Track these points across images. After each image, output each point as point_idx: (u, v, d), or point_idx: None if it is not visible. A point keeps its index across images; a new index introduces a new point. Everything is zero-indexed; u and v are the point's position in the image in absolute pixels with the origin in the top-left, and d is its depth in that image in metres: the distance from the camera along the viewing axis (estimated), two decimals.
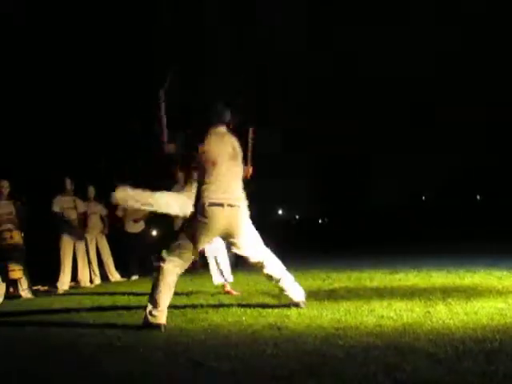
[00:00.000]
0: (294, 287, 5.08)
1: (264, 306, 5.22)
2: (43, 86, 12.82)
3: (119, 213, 10.39)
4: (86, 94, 13.36)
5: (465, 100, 17.97)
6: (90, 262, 9.52)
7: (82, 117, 13.27)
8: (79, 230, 9.10)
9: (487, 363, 2.93)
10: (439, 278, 6.69)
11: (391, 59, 16.95)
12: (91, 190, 9.81)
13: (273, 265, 5.04)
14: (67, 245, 8.94)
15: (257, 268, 5.09)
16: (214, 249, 6.48)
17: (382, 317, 4.30)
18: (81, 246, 9.11)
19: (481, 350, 3.17)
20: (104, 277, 9.78)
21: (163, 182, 10.62)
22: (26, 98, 12.71)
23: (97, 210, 9.80)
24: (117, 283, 9.38)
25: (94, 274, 9.60)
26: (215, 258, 6.57)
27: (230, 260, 7.91)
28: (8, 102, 12.28)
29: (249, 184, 5.21)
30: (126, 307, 5.77)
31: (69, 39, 13.25)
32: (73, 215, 9.01)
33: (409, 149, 19.17)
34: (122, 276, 9.97)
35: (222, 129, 4.87)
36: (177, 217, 10.25)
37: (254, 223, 5.21)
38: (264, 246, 5.09)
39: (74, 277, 9.17)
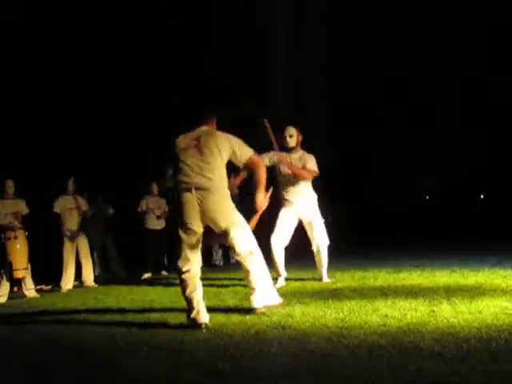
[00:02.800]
0: (267, 291, 4.88)
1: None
2: (47, 82, 12.83)
3: (141, 208, 10.37)
4: (93, 90, 13.35)
5: (465, 98, 17.97)
6: (94, 262, 9.54)
7: (91, 116, 13.27)
8: (81, 229, 9.10)
9: (492, 362, 2.92)
10: (443, 277, 6.67)
11: (391, 58, 16.94)
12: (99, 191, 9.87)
13: (256, 262, 4.83)
14: (69, 244, 8.95)
15: (240, 263, 4.87)
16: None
17: (386, 316, 4.29)
18: (83, 246, 9.11)
19: (485, 349, 3.16)
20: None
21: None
22: (30, 97, 12.72)
23: (105, 210, 9.82)
24: (121, 283, 9.38)
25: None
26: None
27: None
28: (11, 100, 12.30)
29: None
30: (130, 307, 5.78)
31: (70, 38, 13.27)
32: (75, 215, 9.01)
33: (411, 148, 19.13)
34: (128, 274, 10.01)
35: (204, 128, 4.94)
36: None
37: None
38: (255, 243, 4.92)
39: (78, 276, 9.17)
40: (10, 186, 8.27)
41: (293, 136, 6.73)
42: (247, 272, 4.78)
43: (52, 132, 12.58)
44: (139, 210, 10.37)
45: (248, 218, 5.04)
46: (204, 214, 4.68)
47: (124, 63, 13.82)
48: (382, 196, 19.45)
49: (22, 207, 8.33)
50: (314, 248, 6.89)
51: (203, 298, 4.58)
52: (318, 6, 15.57)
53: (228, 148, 4.85)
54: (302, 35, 15.64)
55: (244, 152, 4.88)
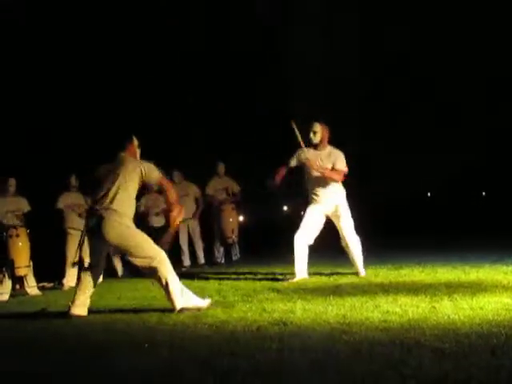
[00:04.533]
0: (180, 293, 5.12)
1: (269, 301, 5.23)
2: (47, 82, 12.84)
3: (141, 208, 10.32)
4: (93, 90, 13.36)
5: (466, 96, 17.97)
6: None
7: (91, 114, 13.27)
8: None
9: (493, 358, 2.93)
10: (444, 273, 6.67)
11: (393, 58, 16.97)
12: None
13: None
14: (72, 241, 8.93)
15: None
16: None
17: (388, 312, 4.29)
18: (86, 243, 9.10)
19: (486, 345, 3.17)
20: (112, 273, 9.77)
21: None
22: (31, 94, 12.74)
23: None
24: (121, 280, 9.38)
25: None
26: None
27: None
28: (12, 98, 12.32)
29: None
30: (131, 303, 5.78)
31: (70, 38, 13.28)
32: (78, 212, 9.00)
33: (414, 146, 19.13)
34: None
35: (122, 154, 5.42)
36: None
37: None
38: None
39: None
40: (12, 184, 8.27)
41: (317, 132, 6.70)
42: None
43: (52, 129, 12.59)
44: (140, 210, 10.34)
45: None
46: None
47: (123, 63, 13.82)
48: (383, 192, 19.43)
49: (24, 205, 8.34)
50: (344, 244, 6.91)
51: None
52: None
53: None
54: (303, 34, 15.63)
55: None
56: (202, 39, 15.02)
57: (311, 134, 6.71)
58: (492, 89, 17.28)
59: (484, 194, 23.46)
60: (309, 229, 6.76)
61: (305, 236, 6.74)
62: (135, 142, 5.57)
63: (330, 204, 6.77)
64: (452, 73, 17.32)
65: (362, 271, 6.90)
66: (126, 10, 13.94)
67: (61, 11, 13.28)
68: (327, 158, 6.73)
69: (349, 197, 6.97)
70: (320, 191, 6.74)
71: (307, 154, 6.74)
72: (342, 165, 6.77)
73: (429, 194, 24.53)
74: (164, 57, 14.46)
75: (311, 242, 6.83)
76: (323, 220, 6.87)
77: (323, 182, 6.73)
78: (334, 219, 6.88)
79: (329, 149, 6.79)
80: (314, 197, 6.78)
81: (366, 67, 16.92)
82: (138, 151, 5.56)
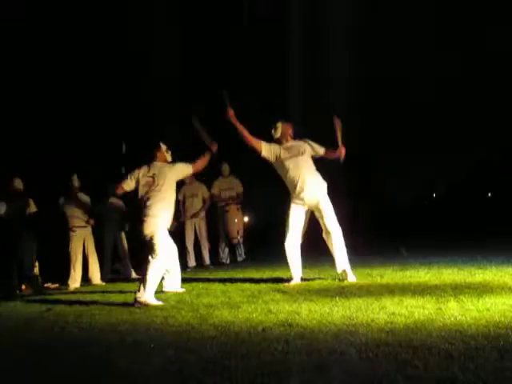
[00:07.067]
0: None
1: (274, 302, 5.22)
2: (47, 81, 12.88)
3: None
4: (93, 89, 13.38)
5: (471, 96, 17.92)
6: (103, 259, 9.48)
7: (91, 114, 13.29)
8: (88, 227, 9.08)
9: (500, 360, 2.91)
10: (450, 274, 6.64)
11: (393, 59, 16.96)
12: (111, 187, 9.70)
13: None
14: (76, 242, 8.94)
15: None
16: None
17: (394, 313, 4.28)
18: (90, 243, 9.11)
19: (493, 347, 3.15)
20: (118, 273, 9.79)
21: None
22: (33, 94, 12.77)
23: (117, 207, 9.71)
24: (127, 281, 9.39)
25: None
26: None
27: None
28: (13, 98, 12.36)
29: None
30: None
31: (70, 35, 13.31)
32: (81, 213, 9.00)
33: (418, 147, 19.10)
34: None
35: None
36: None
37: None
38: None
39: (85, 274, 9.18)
40: (18, 183, 8.31)
41: (277, 128, 6.88)
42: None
43: (54, 129, 12.62)
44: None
45: None
46: None
47: (125, 62, 13.84)
48: (387, 194, 19.42)
49: (31, 206, 8.36)
50: (325, 236, 6.75)
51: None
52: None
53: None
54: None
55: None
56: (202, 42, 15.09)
57: (272, 131, 6.91)
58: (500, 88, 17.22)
59: (489, 194, 23.41)
60: (295, 231, 6.68)
61: (293, 241, 6.68)
62: (163, 147, 6.39)
63: (310, 197, 6.67)
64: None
65: (343, 266, 6.67)
66: (126, 9, 13.97)
67: (61, 11, 13.32)
68: (289, 150, 6.77)
69: (354, 197, 6.91)
70: (298, 186, 6.63)
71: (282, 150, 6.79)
72: (315, 147, 6.90)
73: (434, 195, 24.51)
74: (166, 57, 14.48)
75: (300, 241, 6.76)
76: (306, 216, 6.78)
77: (300, 175, 6.67)
78: (316, 212, 6.75)
79: (291, 142, 6.86)
80: (294, 195, 6.69)
81: (367, 67, 16.93)
82: (168, 154, 6.42)
